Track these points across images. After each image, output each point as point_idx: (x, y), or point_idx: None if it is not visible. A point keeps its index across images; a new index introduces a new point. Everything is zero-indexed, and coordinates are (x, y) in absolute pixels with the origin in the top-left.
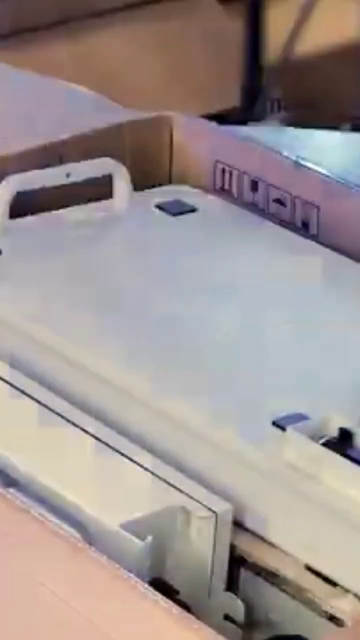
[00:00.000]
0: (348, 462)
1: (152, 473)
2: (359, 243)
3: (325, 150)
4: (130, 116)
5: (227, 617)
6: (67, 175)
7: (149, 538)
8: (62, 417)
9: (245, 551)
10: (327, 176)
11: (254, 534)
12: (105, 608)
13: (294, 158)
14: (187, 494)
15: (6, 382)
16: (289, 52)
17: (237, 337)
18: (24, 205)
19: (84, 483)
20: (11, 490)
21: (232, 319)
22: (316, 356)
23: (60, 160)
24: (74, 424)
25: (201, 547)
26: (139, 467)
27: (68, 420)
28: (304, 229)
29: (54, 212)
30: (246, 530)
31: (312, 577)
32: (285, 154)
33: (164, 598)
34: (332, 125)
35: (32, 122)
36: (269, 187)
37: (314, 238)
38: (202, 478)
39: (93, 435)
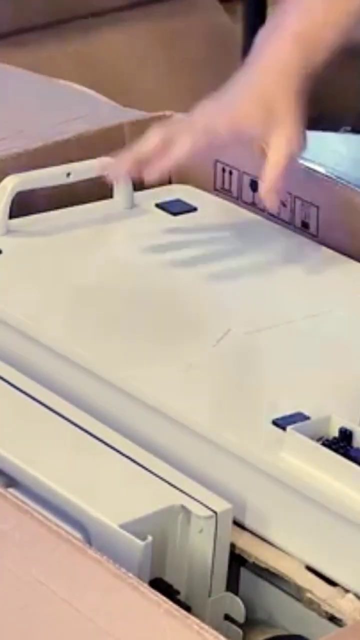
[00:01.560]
0: (348, 462)
1: (152, 472)
2: (359, 243)
3: (324, 152)
4: (130, 116)
5: (227, 617)
6: (67, 175)
7: (149, 538)
8: (63, 416)
9: (245, 551)
10: (327, 176)
11: (254, 533)
12: (106, 608)
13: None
14: (187, 494)
15: (6, 381)
16: None
17: (237, 337)
18: (24, 205)
19: (84, 483)
20: (11, 490)
21: (232, 318)
22: (317, 356)
23: (61, 160)
24: (74, 424)
25: (201, 547)
26: (139, 467)
27: (68, 420)
28: (304, 229)
29: (54, 212)
30: (246, 530)
31: (312, 577)
32: None
33: (164, 598)
34: (331, 124)
35: (31, 122)
36: None
37: (314, 238)
38: (202, 478)
39: (93, 435)
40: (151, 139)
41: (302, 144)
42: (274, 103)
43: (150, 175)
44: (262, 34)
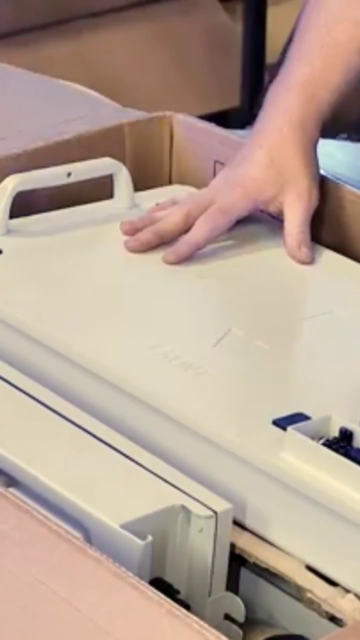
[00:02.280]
0: (348, 462)
1: (152, 472)
2: (359, 243)
3: (321, 157)
4: (130, 116)
5: (227, 617)
6: (68, 175)
7: (149, 538)
8: (63, 416)
9: (245, 551)
10: (326, 177)
11: (254, 533)
12: (106, 607)
13: None
14: (187, 494)
15: (6, 381)
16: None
17: (237, 337)
18: (24, 205)
19: (84, 482)
20: (11, 489)
21: (232, 318)
22: (317, 356)
23: (61, 160)
24: (74, 424)
25: (201, 547)
26: (139, 467)
27: (68, 420)
28: None
29: (54, 212)
30: (246, 530)
31: (312, 577)
32: None
33: (165, 597)
34: (329, 129)
35: (32, 122)
36: None
37: (314, 238)
38: (202, 478)
39: (93, 435)
40: (173, 217)
41: (316, 196)
42: (283, 162)
43: (168, 258)
44: (272, 88)
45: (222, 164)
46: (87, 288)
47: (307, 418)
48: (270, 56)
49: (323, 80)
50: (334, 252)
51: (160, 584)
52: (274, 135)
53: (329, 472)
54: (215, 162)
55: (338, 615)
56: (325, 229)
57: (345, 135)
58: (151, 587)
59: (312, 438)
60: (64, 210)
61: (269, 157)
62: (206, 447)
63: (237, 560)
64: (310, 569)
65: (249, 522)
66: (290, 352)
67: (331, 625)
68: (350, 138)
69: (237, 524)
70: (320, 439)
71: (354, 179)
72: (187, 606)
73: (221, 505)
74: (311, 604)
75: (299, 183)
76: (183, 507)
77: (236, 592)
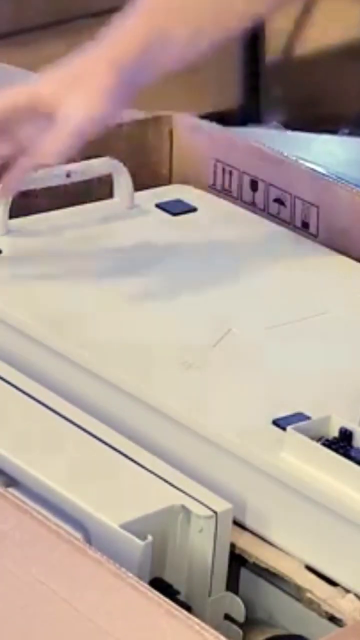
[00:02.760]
0: (348, 462)
1: (152, 472)
2: (359, 243)
3: (321, 154)
4: (130, 116)
5: (227, 617)
6: (67, 175)
7: (149, 538)
8: (63, 416)
9: (245, 551)
10: (327, 176)
11: (254, 533)
12: (106, 608)
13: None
14: (187, 494)
15: (6, 381)
16: (289, 51)
17: (238, 337)
18: (24, 205)
19: (84, 482)
20: (11, 490)
21: (232, 318)
22: (317, 356)
23: None
24: (74, 424)
25: (201, 547)
26: (139, 467)
27: (68, 420)
28: (304, 228)
29: (54, 212)
30: (246, 530)
31: (312, 577)
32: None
33: (165, 598)
34: (330, 126)
35: None
36: (269, 186)
37: (314, 238)
38: (202, 478)
39: (94, 435)
40: None
41: (101, 107)
42: (78, 80)
43: None
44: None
45: (222, 163)
46: (86, 288)
47: (307, 418)
48: (270, 56)
49: (127, 57)
50: (334, 252)
51: (160, 584)
52: (81, 64)
53: (329, 472)
54: (216, 161)
55: (338, 615)
56: (327, 229)
57: (347, 130)
58: (151, 588)
59: (312, 438)
60: (64, 210)
61: (68, 77)
62: (206, 447)
63: (237, 560)
64: (310, 569)
65: (249, 522)
66: (290, 352)
67: (331, 625)
68: (352, 133)
69: (237, 524)
70: (320, 439)
71: (355, 177)
72: (187, 606)
73: (221, 505)
74: (311, 604)
75: (83, 94)
76: (183, 507)
77: (236, 592)
